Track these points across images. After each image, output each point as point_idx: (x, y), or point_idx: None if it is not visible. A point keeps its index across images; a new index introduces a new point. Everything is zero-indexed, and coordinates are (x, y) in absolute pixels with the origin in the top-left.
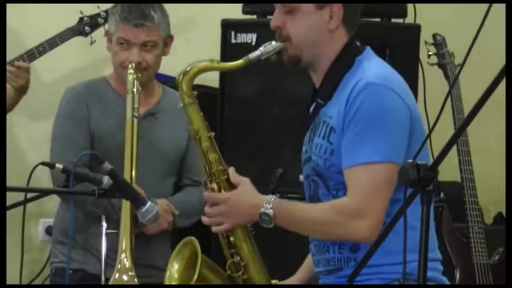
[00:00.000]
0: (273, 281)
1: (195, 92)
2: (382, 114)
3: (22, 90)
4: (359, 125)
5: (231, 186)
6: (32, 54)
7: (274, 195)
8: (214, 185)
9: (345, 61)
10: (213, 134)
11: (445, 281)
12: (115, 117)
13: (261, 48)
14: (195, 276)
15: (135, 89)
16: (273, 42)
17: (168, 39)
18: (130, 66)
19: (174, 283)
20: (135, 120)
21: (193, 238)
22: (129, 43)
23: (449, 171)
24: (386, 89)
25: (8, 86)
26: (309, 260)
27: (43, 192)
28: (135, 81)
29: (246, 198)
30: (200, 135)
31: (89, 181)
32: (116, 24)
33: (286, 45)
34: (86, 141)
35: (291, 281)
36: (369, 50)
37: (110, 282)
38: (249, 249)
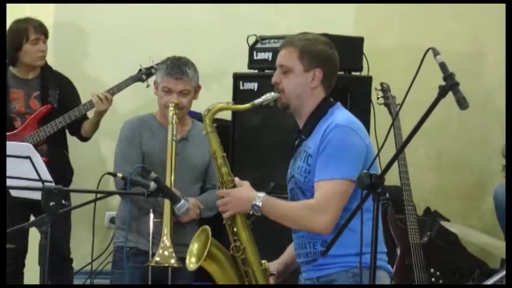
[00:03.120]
0: (263, 261)
1: (215, 124)
2: (345, 145)
3: (101, 113)
4: (328, 153)
5: None
6: (112, 91)
7: (264, 193)
8: (225, 190)
9: (321, 111)
10: (225, 154)
11: (390, 268)
12: (159, 141)
13: (263, 97)
14: (205, 253)
15: (174, 121)
16: (272, 93)
17: (197, 88)
18: (171, 105)
19: (192, 257)
20: (174, 143)
21: (208, 226)
22: (171, 90)
23: (392, 178)
24: (350, 129)
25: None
26: (290, 248)
27: (107, 193)
28: (174, 116)
29: (243, 193)
30: (216, 155)
31: (140, 186)
32: (162, 77)
33: (280, 95)
34: (139, 157)
35: (276, 262)
36: (338, 104)
37: (155, 257)
38: (247, 237)
